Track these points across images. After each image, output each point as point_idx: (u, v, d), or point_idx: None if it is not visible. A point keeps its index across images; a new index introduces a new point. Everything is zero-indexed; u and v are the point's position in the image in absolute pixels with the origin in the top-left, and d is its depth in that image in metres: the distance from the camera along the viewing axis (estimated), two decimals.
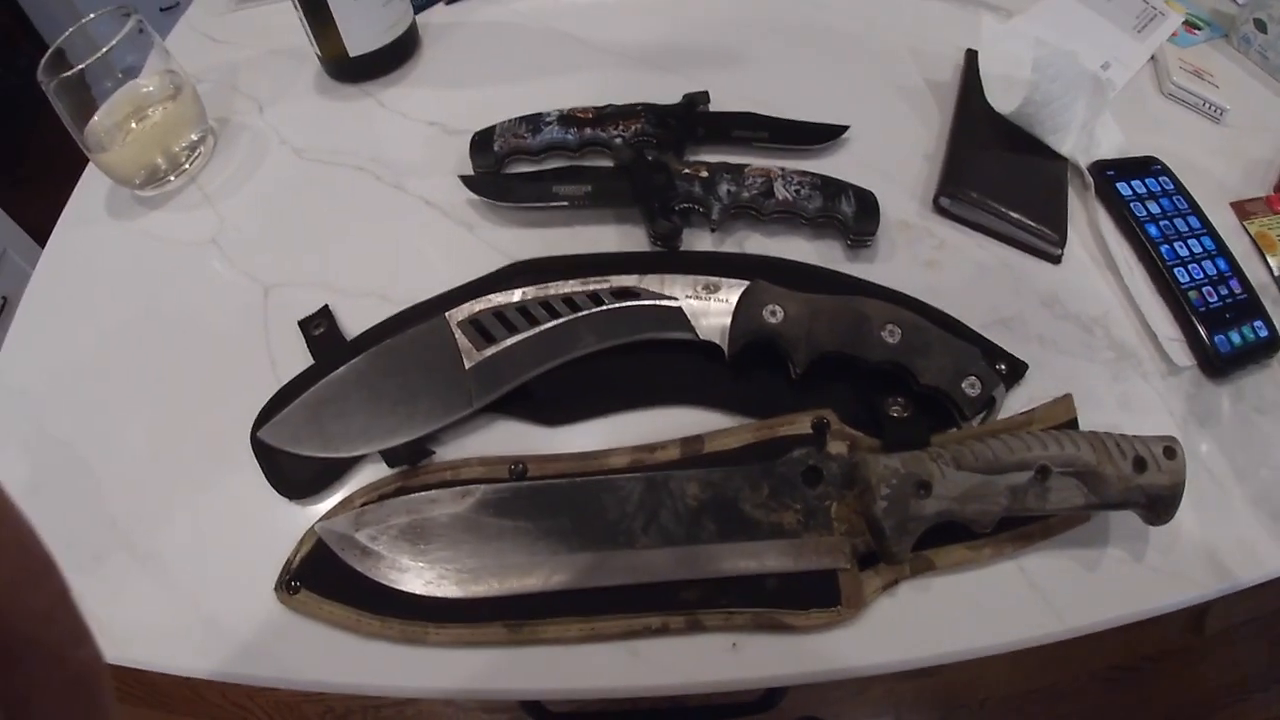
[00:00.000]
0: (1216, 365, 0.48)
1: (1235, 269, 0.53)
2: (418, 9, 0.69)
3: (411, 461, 0.44)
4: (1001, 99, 0.58)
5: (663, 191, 0.51)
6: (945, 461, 0.39)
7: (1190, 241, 0.54)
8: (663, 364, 0.47)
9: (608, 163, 0.57)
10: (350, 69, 0.65)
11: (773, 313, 0.44)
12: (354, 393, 0.45)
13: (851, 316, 0.44)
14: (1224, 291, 0.52)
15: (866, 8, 0.70)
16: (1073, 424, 0.45)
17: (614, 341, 0.45)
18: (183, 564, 0.44)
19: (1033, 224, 0.53)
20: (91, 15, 0.57)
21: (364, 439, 0.44)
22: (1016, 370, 0.47)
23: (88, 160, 0.60)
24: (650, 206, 0.51)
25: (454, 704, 1.11)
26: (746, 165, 0.52)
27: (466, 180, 0.55)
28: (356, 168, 0.60)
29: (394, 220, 0.57)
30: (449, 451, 0.45)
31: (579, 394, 0.46)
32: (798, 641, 0.39)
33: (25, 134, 1.81)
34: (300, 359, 0.49)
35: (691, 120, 0.57)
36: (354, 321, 0.50)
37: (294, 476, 0.45)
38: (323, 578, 0.41)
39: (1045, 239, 0.53)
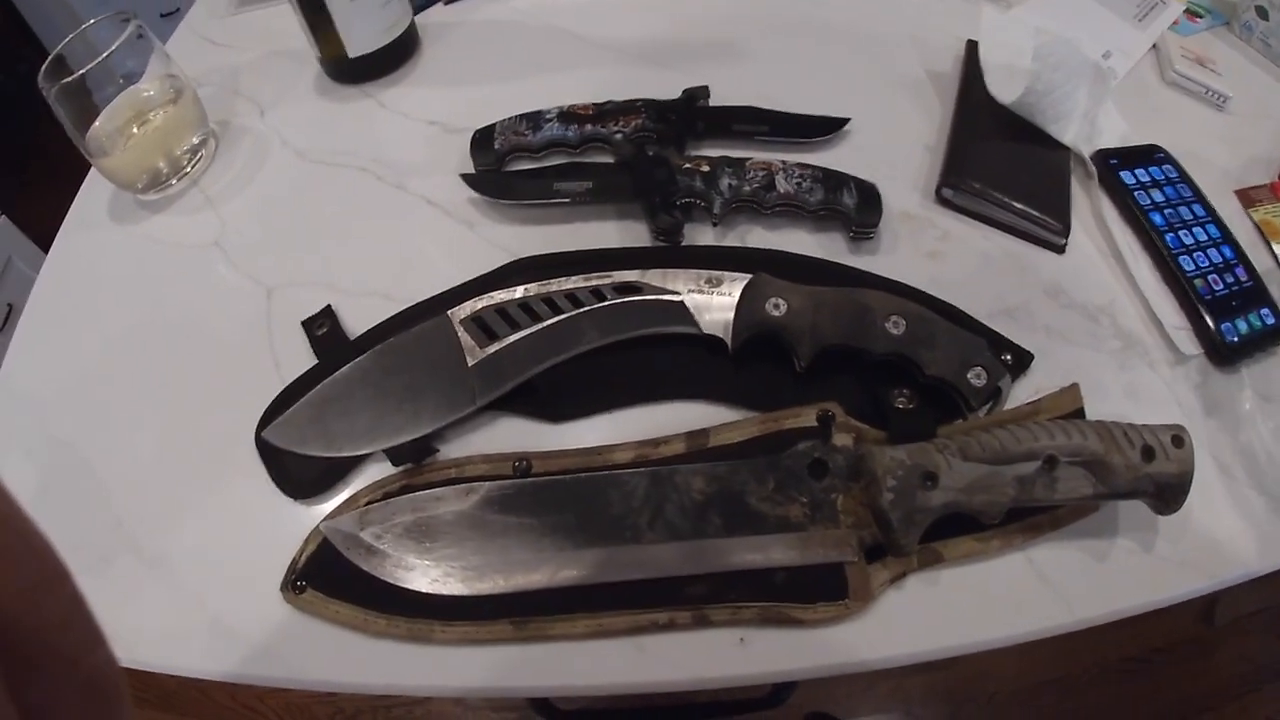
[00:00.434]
0: (1223, 353, 0.48)
1: (1240, 256, 0.52)
2: (417, 9, 0.69)
3: (416, 460, 0.44)
4: (1003, 88, 0.57)
5: (664, 186, 0.51)
6: (952, 452, 0.39)
7: (1195, 229, 0.53)
8: (666, 359, 0.46)
9: (608, 159, 0.57)
10: (350, 70, 0.65)
11: (776, 306, 0.44)
12: (358, 392, 0.45)
13: (855, 308, 0.44)
14: (1230, 279, 0.52)
15: (865, 0, 0.70)
16: (1079, 414, 0.45)
17: (617, 337, 0.45)
18: (189, 565, 0.44)
19: (1036, 213, 0.53)
20: (91, 21, 0.57)
21: (368, 438, 0.44)
22: (1022, 360, 0.47)
23: (90, 167, 0.61)
24: (651, 202, 0.51)
25: (463, 702, 1.11)
26: (748, 159, 0.52)
27: (467, 178, 0.54)
28: (358, 168, 0.60)
29: (396, 220, 0.57)
30: (453, 449, 0.45)
31: (582, 390, 0.46)
32: (805, 636, 0.39)
33: (28, 140, 1.82)
34: (304, 359, 0.49)
35: (692, 115, 0.57)
36: (357, 321, 0.50)
37: (299, 476, 0.45)
38: (329, 577, 0.41)
39: (1049, 228, 0.53)
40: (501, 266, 0.51)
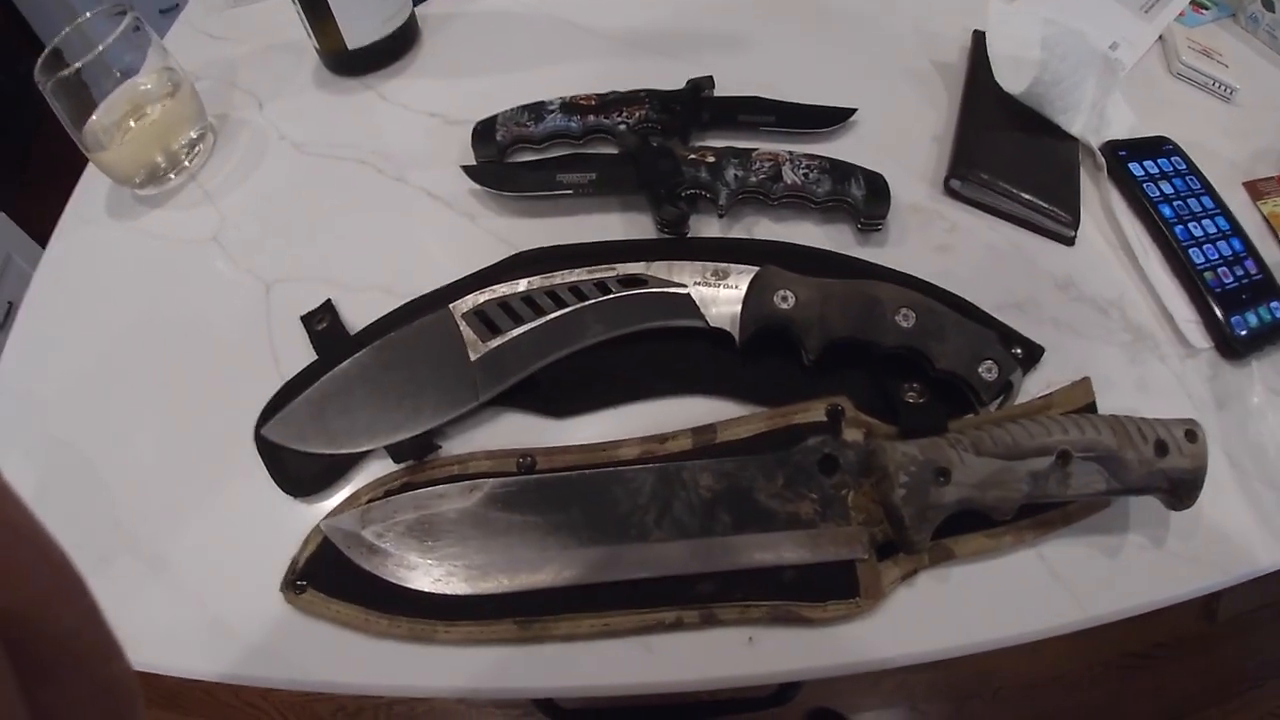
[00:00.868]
0: (1233, 347, 0.48)
1: (1250, 249, 0.52)
2: (416, 0, 0.68)
3: (417, 456, 0.43)
4: (1011, 79, 0.57)
5: (669, 177, 0.50)
6: (964, 448, 0.38)
7: (1204, 222, 0.53)
8: (672, 353, 0.46)
9: (612, 150, 0.56)
10: (349, 62, 0.64)
11: (784, 298, 0.43)
12: (358, 388, 0.44)
13: (864, 301, 0.43)
14: (1239, 272, 0.51)
15: None
16: (1091, 407, 0.44)
17: (622, 330, 0.44)
18: (189, 565, 0.43)
19: (1045, 205, 0.52)
20: (88, 14, 0.56)
21: (369, 434, 0.43)
22: (1032, 354, 0.46)
23: (88, 161, 0.60)
24: (656, 193, 0.50)
25: (466, 701, 1.10)
26: (754, 149, 0.51)
27: (469, 170, 0.54)
28: (358, 161, 0.59)
29: (396, 213, 0.56)
30: (455, 446, 0.44)
31: (587, 385, 0.45)
32: (815, 634, 0.39)
33: (27, 139, 1.81)
34: (303, 355, 0.48)
35: (696, 105, 0.56)
36: (357, 315, 0.50)
37: (299, 474, 0.44)
38: (329, 577, 0.40)
39: (1058, 220, 0.52)
40: (504, 259, 0.50)
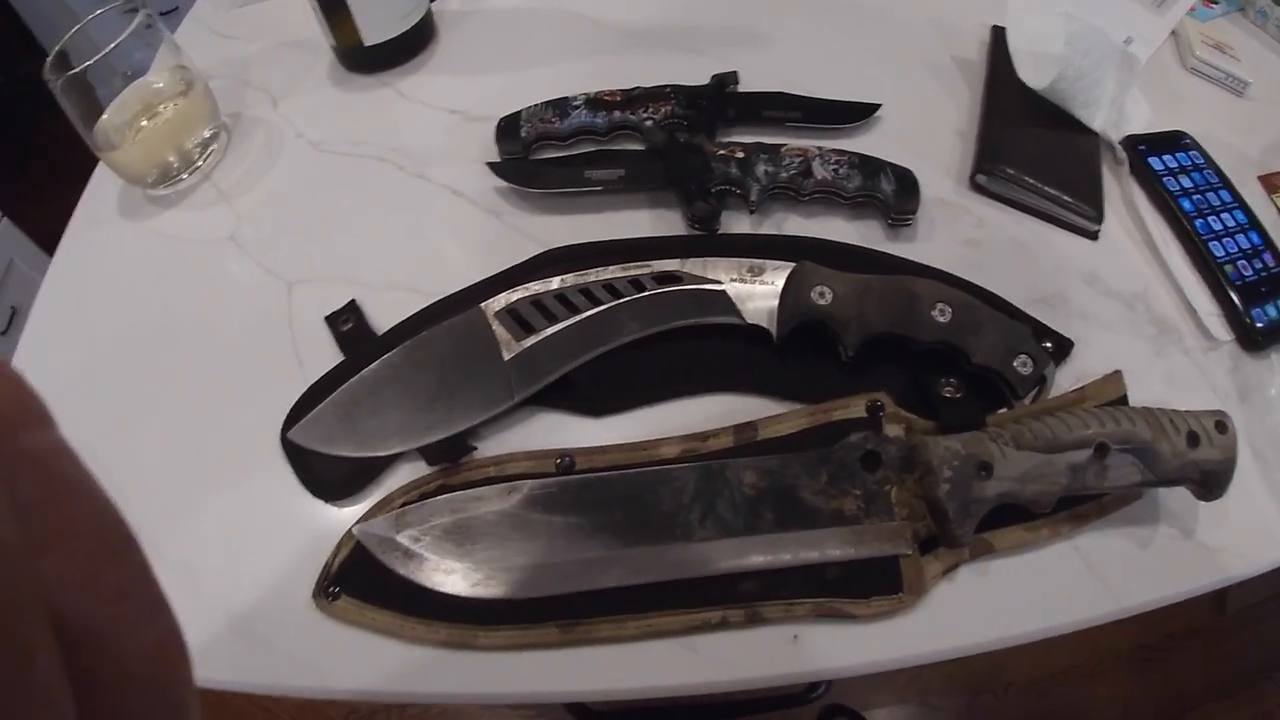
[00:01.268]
0: (1254, 338, 0.48)
1: (1268, 242, 0.53)
2: None
3: (452, 458, 0.43)
4: (1033, 74, 0.57)
5: (698, 174, 0.50)
6: (1005, 441, 0.38)
7: (1223, 215, 0.53)
8: (708, 350, 0.45)
9: (638, 146, 0.55)
10: (366, 59, 0.63)
11: (821, 294, 0.43)
12: (388, 389, 0.44)
13: (902, 296, 0.43)
14: (1259, 265, 0.52)
15: None
16: (1123, 400, 0.44)
17: (658, 328, 0.44)
18: (216, 574, 0.42)
19: (1070, 199, 0.52)
20: (98, 11, 0.55)
21: (400, 436, 0.43)
22: (1063, 348, 0.46)
23: (93, 167, 0.59)
24: (686, 189, 0.50)
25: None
26: (782, 145, 0.51)
27: (494, 167, 0.53)
28: (377, 158, 0.58)
29: (419, 210, 0.55)
30: (491, 447, 0.44)
31: (623, 383, 0.45)
32: (857, 631, 0.39)
33: (29, 142, 1.77)
34: (328, 356, 0.48)
35: (722, 101, 0.56)
36: (383, 316, 0.49)
37: (328, 477, 0.43)
38: (363, 582, 0.40)
39: (1083, 214, 0.52)
40: (533, 257, 0.50)
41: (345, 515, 0.43)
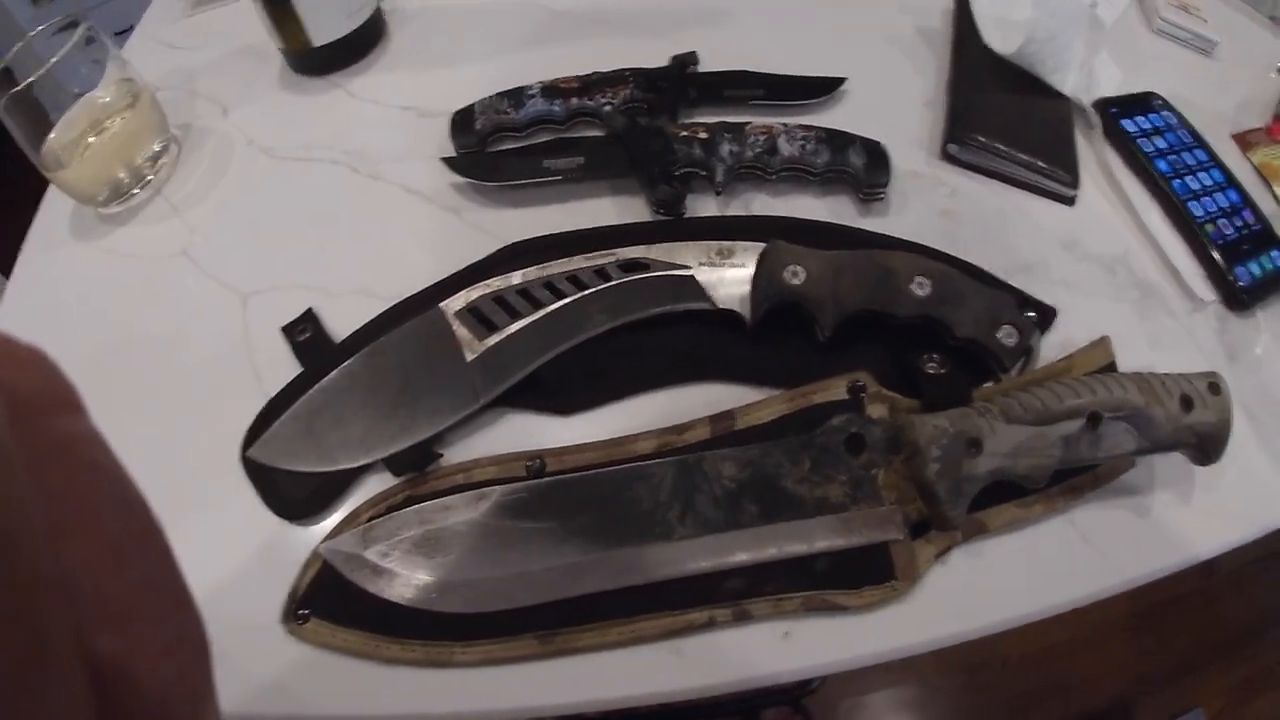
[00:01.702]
0: (1239, 298, 0.48)
1: (1246, 200, 0.52)
2: None
3: (418, 467, 0.41)
4: (1000, 40, 0.55)
5: (661, 157, 0.48)
6: (994, 416, 0.37)
7: (1200, 175, 0.53)
8: (680, 339, 0.43)
9: (598, 133, 0.53)
10: (315, 60, 0.61)
11: (794, 273, 0.41)
12: (349, 398, 0.42)
13: (879, 271, 0.41)
14: (1239, 223, 0.51)
15: None
16: (1111, 367, 0.43)
17: (626, 318, 0.42)
18: None
19: (1044, 165, 0.51)
20: (41, 27, 0.53)
21: (364, 447, 0.41)
22: (1046, 316, 0.45)
23: (48, 185, 0.56)
24: (649, 173, 0.48)
25: None
26: (747, 123, 0.49)
27: (449, 162, 0.51)
28: (330, 162, 0.56)
29: (374, 212, 0.53)
30: (458, 453, 0.42)
31: (593, 378, 0.43)
32: (851, 623, 0.37)
33: None
34: (287, 368, 0.45)
35: (682, 82, 0.54)
36: (342, 323, 0.47)
37: (291, 495, 0.41)
38: (333, 603, 0.38)
39: (1058, 180, 0.51)
40: (494, 253, 0.48)
41: (311, 534, 0.41)
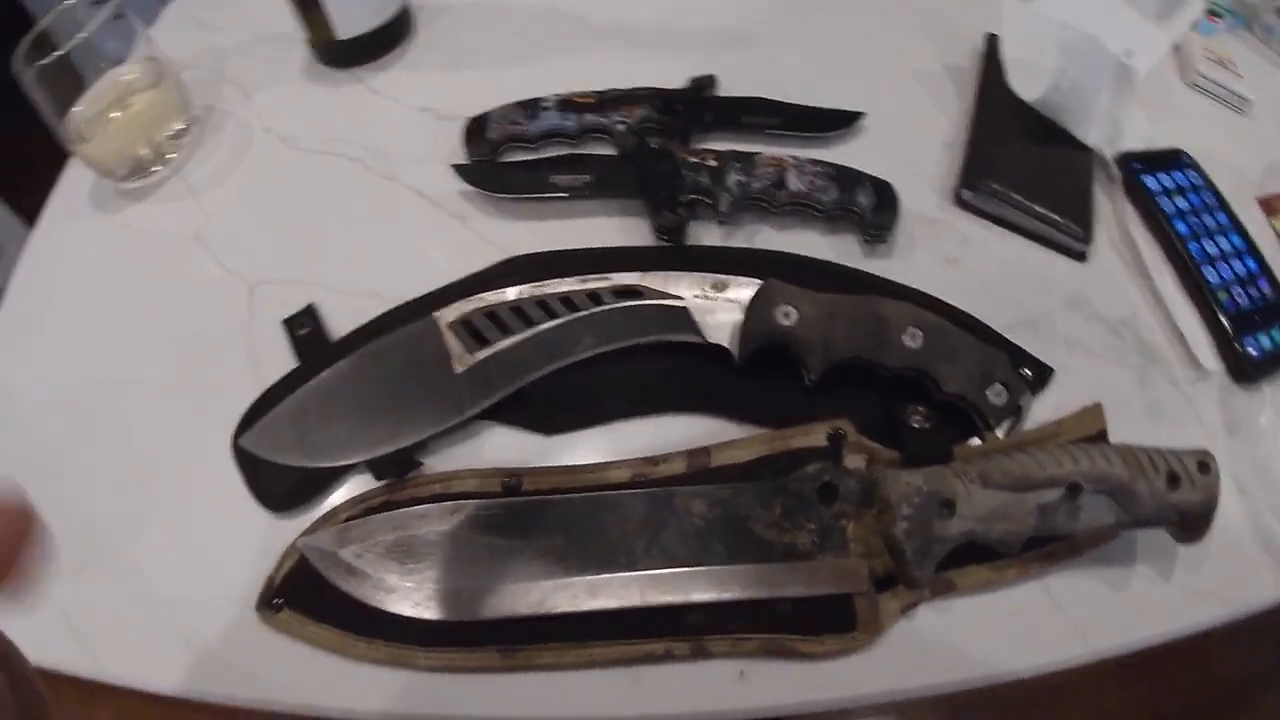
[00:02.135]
0: (1245, 370, 0.46)
1: (1264, 269, 0.51)
2: None
3: (399, 473, 0.41)
4: (1026, 85, 0.55)
5: (668, 181, 0.48)
6: (971, 479, 0.37)
7: (1219, 239, 0.51)
8: (667, 368, 0.44)
9: (610, 151, 0.53)
10: (339, 53, 0.61)
11: (786, 314, 0.41)
12: (339, 399, 0.43)
13: (871, 319, 0.41)
14: (1254, 292, 0.50)
15: None
16: (1102, 435, 0.43)
17: (614, 344, 0.42)
18: (163, 578, 0.42)
19: (1058, 219, 0.50)
20: (70, 1, 0.54)
21: (349, 449, 0.42)
22: (1042, 375, 0.45)
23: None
24: (654, 197, 0.48)
25: None
26: (757, 154, 0.49)
27: (460, 169, 0.51)
28: (347, 157, 0.57)
29: (385, 212, 0.54)
30: (439, 462, 0.43)
31: (577, 401, 0.43)
32: (809, 668, 0.37)
33: (28, 126, 1.76)
34: (285, 361, 0.46)
35: (699, 106, 0.54)
36: (342, 320, 0.47)
37: (276, 487, 0.42)
38: (307, 596, 0.39)
39: (1071, 234, 0.50)
40: (494, 265, 0.48)
41: (292, 526, 0.41)
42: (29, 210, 1.46)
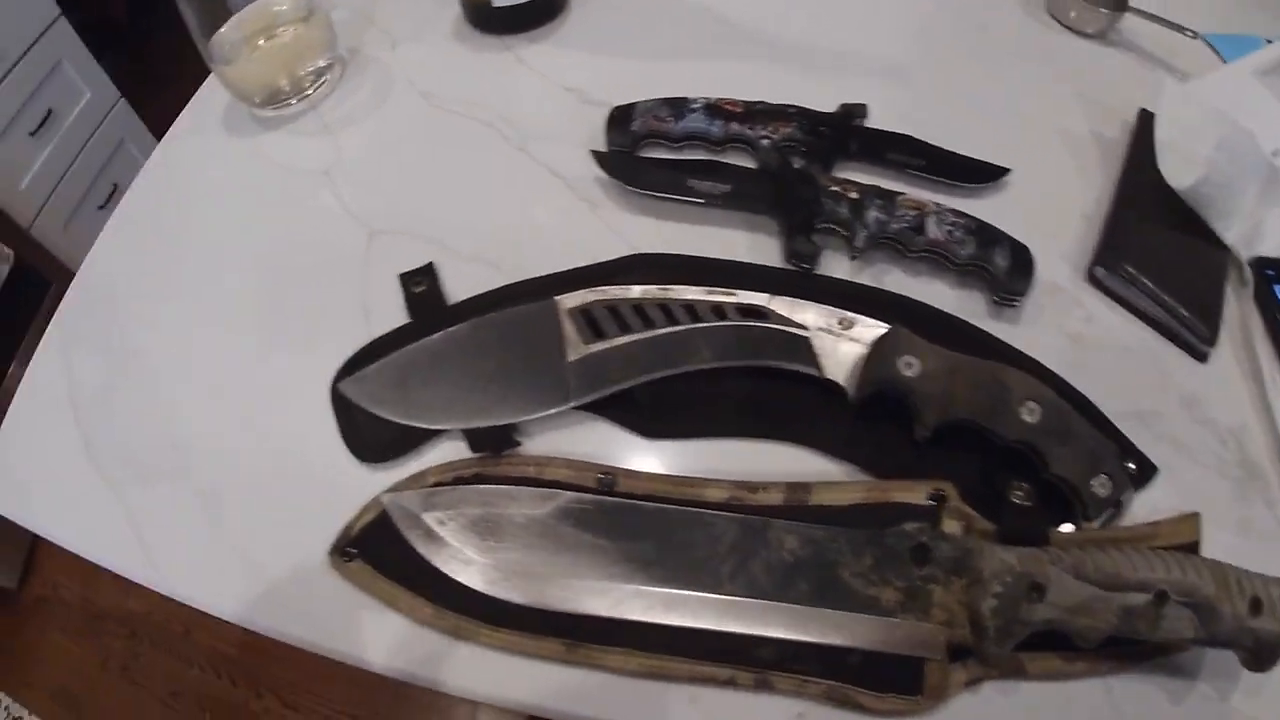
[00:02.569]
0: None
1: None
2: None
3: (496, 448, 0.42)
4: (1176, 172, 0.53)
5: (808, 206, 0.48)
6: (1064, 567, 0.36)
7: None
8: (778, 394, 0.43)
9: (749, 164, 0.53)
10: (493, 19, 0.61)
11: (909, 364, 0.40)
12: (446, 363, 0.43)
13: (992, 385, 0.40)
14: None
15: (1042, 45, 0.65)
16: (1194, 546, 0.42)
17: (731, 362, 0.42)
18: (239, 505, 0.43)
19: (1186, 314, 0.49)
20: None
21: (449, 414, 0.42)
22: (1145, 472, 0.44)
23: (210, 70, 0.58)
24: (791, 220, 0.48)
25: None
26: (899, 194, 0.48)
27: (598, 156, 0.51)
28: (483, 123, 0.57)
29: (515, 185, 0.54)
30: (535, 444, 0.43)
31: (683, 410, 0.43)
32: None
33: (160, 32, 1.77)
34: (396, 314, 0.47)
35: (845, 133, 0.53)
36: (457, 285, 0.48)
37: (369, 438, 0.43)
38: (381, 551, 0.39)
39: (1196, 333, 0.49)
40: (619, 258, 0.48)
41: (377, 479, 0.42)
42: (150, 116, 1.49)
